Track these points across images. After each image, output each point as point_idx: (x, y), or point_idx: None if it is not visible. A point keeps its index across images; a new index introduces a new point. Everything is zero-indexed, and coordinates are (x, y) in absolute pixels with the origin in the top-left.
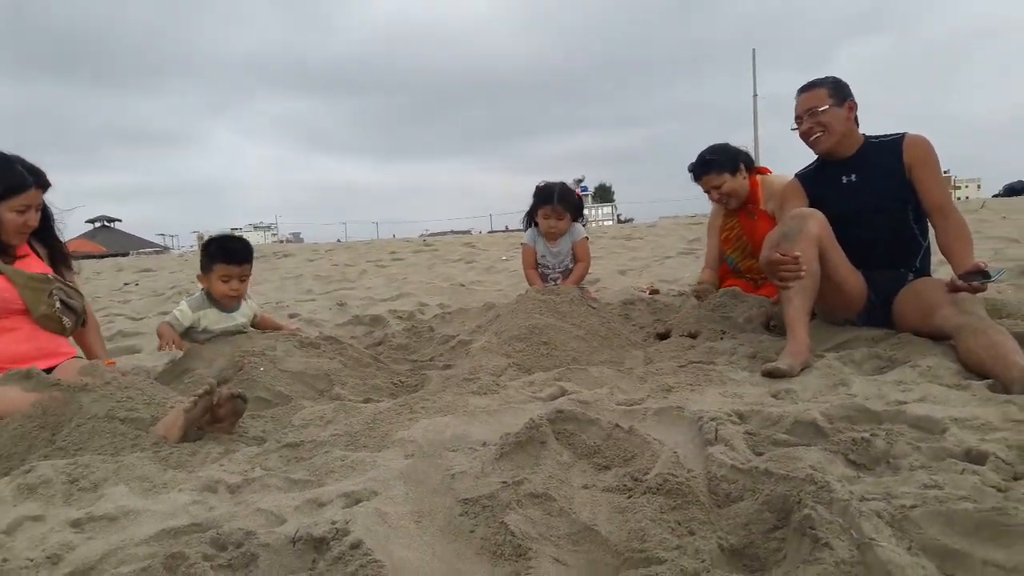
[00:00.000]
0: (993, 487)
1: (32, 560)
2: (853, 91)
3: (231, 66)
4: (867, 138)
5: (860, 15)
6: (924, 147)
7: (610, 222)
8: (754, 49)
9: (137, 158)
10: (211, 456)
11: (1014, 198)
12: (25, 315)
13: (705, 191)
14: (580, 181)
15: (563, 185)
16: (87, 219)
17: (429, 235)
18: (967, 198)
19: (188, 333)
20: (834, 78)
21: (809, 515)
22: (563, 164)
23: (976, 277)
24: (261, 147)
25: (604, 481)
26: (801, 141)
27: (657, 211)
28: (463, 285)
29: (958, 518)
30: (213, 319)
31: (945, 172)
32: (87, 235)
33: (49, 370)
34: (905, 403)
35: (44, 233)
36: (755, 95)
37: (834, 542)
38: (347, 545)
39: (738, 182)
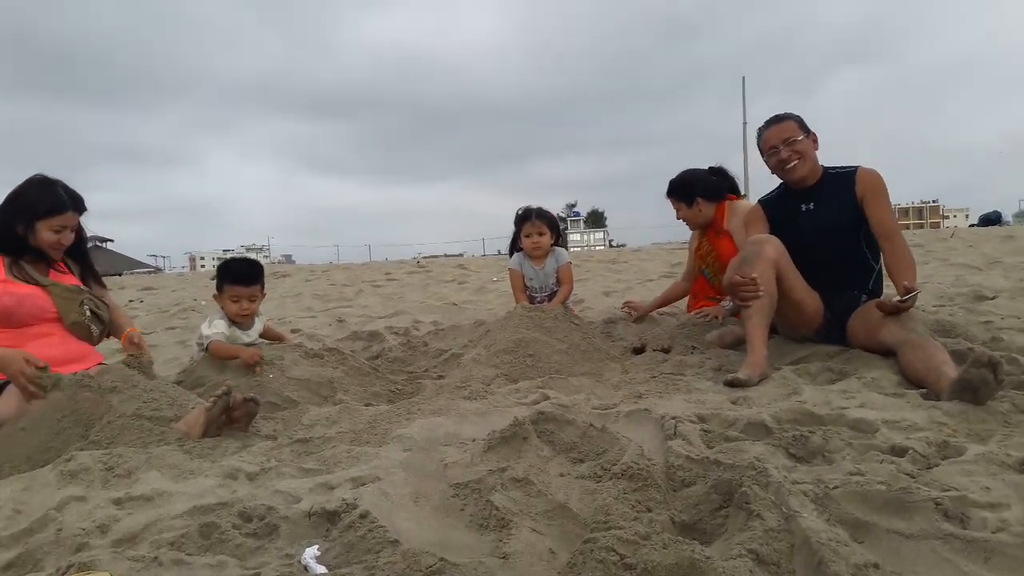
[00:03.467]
0: (906, 474)
1: (84, 529)
2: (840, 119)
3: (225, 87)
4: (825, 169)
5: (848, 44)
6: (874, 180)
7: (602, 247)
8: (744, 77)
9: (128, 178)
10: (230, 449)
11: (987, 227)
12: (57, 323)
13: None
14: (572, 206)
15: (539, 207)
16: None
17: (422, 258)
18: (955, 227)
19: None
20: (796, 114)
21: (746, 492)
22: (556, 189)
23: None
24: (254, 169)
25: (578, 471)
26: (773, 171)
27: (649, 237)
28: (455, 304)
29: (871, 496)
30: (238, 336)
31: (933, 202)
32: None
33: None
34: (846, 408)
35: (78, 252)
36: (744, 122)
37: (765, 514)
38: (356, 516)
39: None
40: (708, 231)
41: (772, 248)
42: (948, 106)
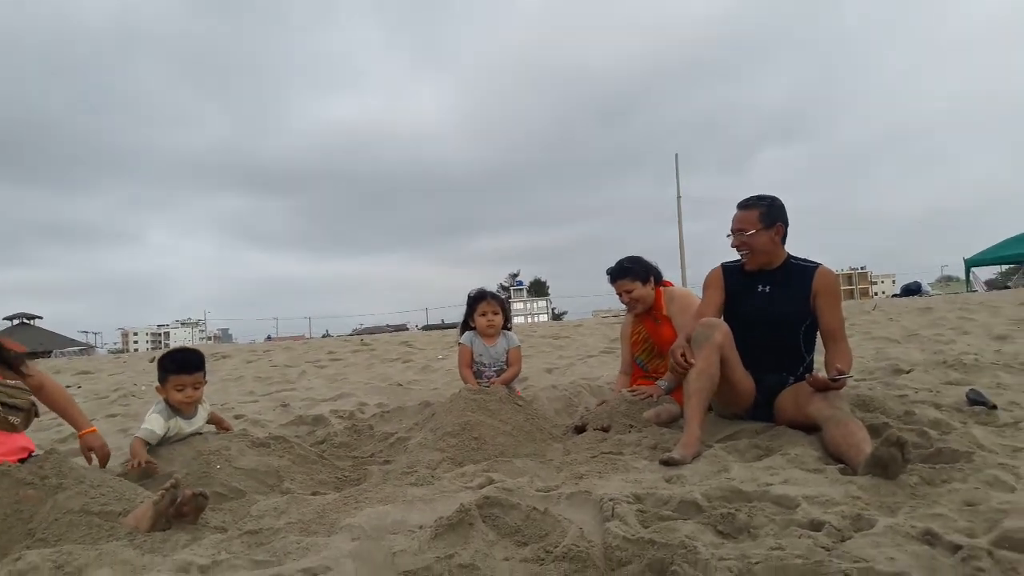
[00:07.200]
0: (822, 547)
1: None
2: (769, 191)
3: (164, 164)
4: (789, 257)
5: (776, 123)
6: (832, 282)
7: (545, 316)
8: (676, 154)
9: (61, 255)
10: (181, 542)
11: (908, 297)
12: None
13: (617, 293)
14: (515, 275)
15: (492, 290)
16: (4, 316)
17: (363, 329)
18: (878, 297)
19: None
20: (769, 201)
21: (676, 570)
22: (497, 260)
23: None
24: (190, 244)
25: (522, 554)
26: (726, 240)
27: (591, 305)
28: (401, 384)
29: (789, 570)
30: (181, 427)
31: (862, 268)
32: (5, 332)
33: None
34: (771, 484)
35: None
36: (679, 196)
37: None
38: None
39: (646, 291)
40: (645, 318)
41: (720, 334)
42: (869, 181)
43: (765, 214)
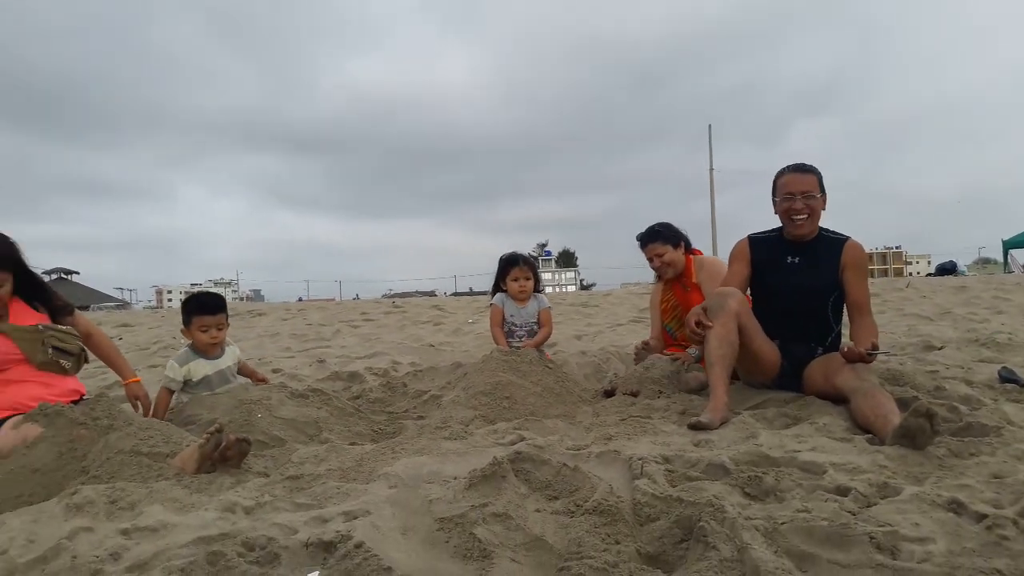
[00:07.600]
0: (848, 511)
1: (98, 556)
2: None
3: (199, 124)
4: (820, 229)
5: (810, 95)
6: (860, 255)
7: (573, 287)
8: (710, 125)
9: (97, 212)
10: (226, 485)
11: (943, 276)
12: (27, 364)
13: (648, 258)
14: (544, 245)
15: (524, 254)
16: (43, 271)
17: (394, 295)
18: (912, 276)
19: (187, 387)
20: (819, 170)
21: (703, 526)
22: (526, 228)
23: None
24: (224, 204)
25: (553, 507)
26: (758, 212)
27: (619, 277)
28: (433, 346)
29: (815, 531)
30: (204, 368)
31: (897, 247)
32: None
33: (74, 403)
34: (799, 451)
35: (35, 294)
36: (711, 168)
37: (720, 546)
38: (351, 545)
39: (677, 255)
40: (675, 285)
41: (735, 301)
42: (905, 157)
43: (820, 181)
